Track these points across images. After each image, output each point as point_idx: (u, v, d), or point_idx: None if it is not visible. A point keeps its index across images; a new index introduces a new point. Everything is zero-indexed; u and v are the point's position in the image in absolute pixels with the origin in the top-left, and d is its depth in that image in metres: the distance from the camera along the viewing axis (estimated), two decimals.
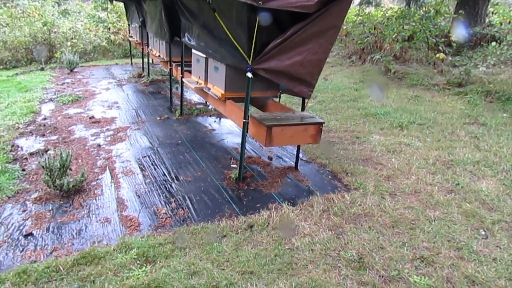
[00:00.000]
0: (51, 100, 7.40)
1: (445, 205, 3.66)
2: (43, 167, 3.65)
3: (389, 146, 5.06)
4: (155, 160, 4.59)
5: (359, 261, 2.86)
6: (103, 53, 12.79)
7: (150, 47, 8.25)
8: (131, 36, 10.99)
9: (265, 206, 3.58)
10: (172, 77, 6.97)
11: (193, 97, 7.75)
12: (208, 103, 7.12)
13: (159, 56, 7.35)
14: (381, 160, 4.64)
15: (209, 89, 4.63)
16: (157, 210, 3.51)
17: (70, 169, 3.89)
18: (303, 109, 4.17)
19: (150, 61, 9.19)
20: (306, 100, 4.15)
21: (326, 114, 6.57)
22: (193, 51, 5.16)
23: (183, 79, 5.31)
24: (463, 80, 7.96)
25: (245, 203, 3.66)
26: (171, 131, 5.60)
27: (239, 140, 5.09)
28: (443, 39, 9.95)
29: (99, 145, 5.07)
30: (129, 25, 11.40)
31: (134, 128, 5.75)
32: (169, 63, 6.62)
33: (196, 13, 4.70)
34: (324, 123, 3.88)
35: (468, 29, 10.18)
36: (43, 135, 5.45)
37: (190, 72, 5.85)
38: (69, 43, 12.03)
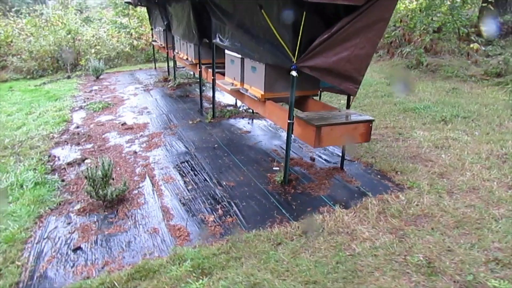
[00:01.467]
0: (81, 108, 7.41)
1: (509, 201, 3.41)
2: (86, 177, 3.58)
3: (435, 141, 4.81)
4: (194, 166, 4.47)
5: (429, 266, 2.66)
6: (127, 59, 12.84)
7: (176, 51, 8.18)
8: (155, 41, 10.98)
9: (316, 210, 3.41)
10: (202, 80, 6.86)
11: (222, 99, 7.63)
12: (238, 104, 6.99)
13: (187, 59, 7.26)
14: (430, 156, 4.40)
15: (246, 90, 4.49)
16: (205, 218, 3.39)
17: (113, 179, 3.81)
18: (348, 106, 3.98)
19: (176, 65, 9.12)
20: (351, 98, 3.95)
21: (361, 110, 6.34)
22: (226, 52, 5.03)
23: (216, 81, 5.19)
24: (502, 70, 7.59)
25: (294, 207, 3.50)
26: (205, 135, 5.49)
27: (276, 141, 4.94)
28: (473, 29, 9.55)
29: (135, 152, 4.99)
30: (152, 29, 11.39)
31: (168, 133, 5.66)
32: (198, 65, 6.52)
33: (231, 13, 4.56)
34: (374, 120, 3.67)
35: (497, 18, 9.75)
36: (78, 144, 5.41)
37: (221, 74, 5.74)
38: (93, 50, 12.13)
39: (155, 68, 11.78)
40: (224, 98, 7.53)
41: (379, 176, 4.01)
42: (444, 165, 4.18)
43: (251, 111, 6.56)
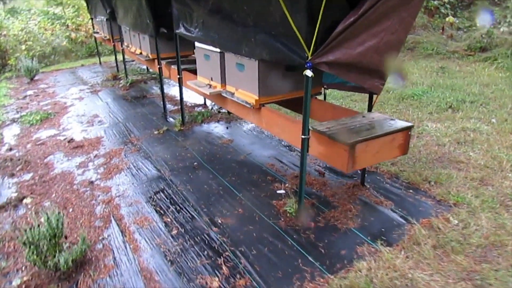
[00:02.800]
0: (14, 121, 6.02)
1: None
2: (24, 244, 2.47)
3: (453, 135, 4.11)
4: (173, 197, 3.45)
5: None
6: (65, 55, 11.20)
7: (125, 44, 6.91)
8: (97, 32, 9.51)
9: (353, 252, 2.56)
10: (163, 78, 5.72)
11: (186, 97, 6.52)
12: (208, 103, 5.94)
13: (141, 53, 6.06)
14: (457, 156, 3.69)
15: (232, 94, 3.49)
16: (206, 283, 2.42)
17: (65, 237, 2.72)
18: (370, 108, 3.12)
19: (125, 59, 7.82)
20: (374, 97, 3.10)
21: (351, 101, 5.55)
22: (197, 45, 3.98)
23: (187, 82, 4.13)
24: (486, 43, 7.10)
25: (323, 250, 2.63)
26: (178, 149, 4.44)
27: (269, 151, 4.03)
28: (442, 1, 9.06)
29: (91, 182, 3.86)
30: (92, 19, 9.88)
31: (130, 149, 4.55)
32: (157, 61, 5.37)
33: None
34: (413, 126, 2.85)
35: None
36: (13, 175, 4.18)
37: (190, 71, 4.69)
38: (23, 47, 10.40)
39: (100, 63, 10.32)
40: (189, 96, 6.43)
41: (411, 191, 3.23)
42: (479, 166, 3.47)
43: (225, 111, 5.56)
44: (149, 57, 5.71)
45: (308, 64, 2.51)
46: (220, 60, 3.59)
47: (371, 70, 2.68)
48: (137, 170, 4.01)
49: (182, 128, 5.03)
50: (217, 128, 5.02)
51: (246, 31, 3.05)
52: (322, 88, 3.60)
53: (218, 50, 3.57)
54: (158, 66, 5.41)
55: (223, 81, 3.68)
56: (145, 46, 5.75)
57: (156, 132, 4.98)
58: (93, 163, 4.28)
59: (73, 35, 11.59)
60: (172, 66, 5.06)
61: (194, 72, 4.74)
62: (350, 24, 2.39)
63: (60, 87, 8.09)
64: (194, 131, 4.95)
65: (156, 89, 7.26)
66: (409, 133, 2.76)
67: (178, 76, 4.80)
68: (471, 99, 5.02)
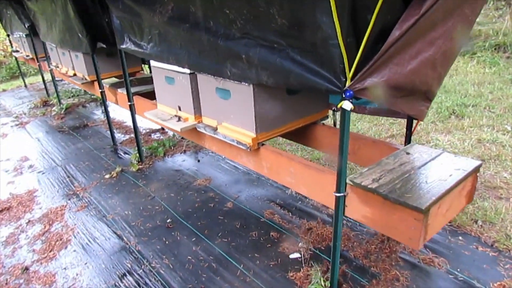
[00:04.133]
0: None
1: None
2: None
3: (473, 150, 3.49)
4: (147, 281, 2.46)
5: None
6: None
7: (53, 64, 5.66)
8: (16, 51, 8.02)
9: None
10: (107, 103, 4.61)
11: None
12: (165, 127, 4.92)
13: (75, 75, 4.89)
14: (491, 180, 3.06)
15: (213, 129, 2.56)
16: None
17: None
18: (409, 139, 2.34)
19: (55, 79, 6.52)
20: (414, 122, 2.33)
21: (357, 120, 4.79)
22: (154, 64, 2.99)
23: (146, 114, 3.12)
24: None
25: None
26: (141, 199, 3.41)
27: (261, 190, 3.15)
28: None
29: (26, 269, 2.76)
30: (8, 35, 8.35)
31: (76, 207, 3.45)
32: (98, 84, 4.26)
33: None
34: (482, 164, 2.10)
35: None
36: None
37: (144, 94, 3.68)
38: None
39: (26, 86, 8.79)
40: (141, 119, 5.35)
41: (461, 238, 2.51)
42: None
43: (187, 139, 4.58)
44: (86, 79, 4.57)
45: (347, 94, 1.65)
46: (191, 84, 2.64)
47: (421, 91, 1.91)
48: (89, 241, 2.95)
49: (140, 166, 3.99)
50: (186, 163, 4.03)
51: (232, 46, 2.13)
52: (330, 111, 2.79)
53: (187, 71, 2.61)
54: (100, 90, 4.30)
55: (197, 112, 2.73)
56: (80, 66, 4.60)
57: (107, 176, 3.90)
58: (26, 235, 3.14)
59: None
60: (119, 90, 3.99)
61: (148, 95, 3.74)
62: (407, 29, 1.58)
63: None
64: (157, 170, 3.93)
65: (99, 114, 6.07)
66: (477, 174, 2.00)
67: (129, 103, 3.74)
68: (472, 102, 4.45)
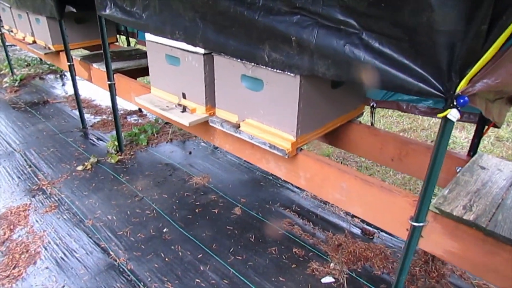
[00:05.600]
0: None
1: None
2: None
3: (494, 150, 3.22)
4: None
5: None
6: None
7: (6, 27, 4.76)
8: None
9: None
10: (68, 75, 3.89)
11: (101, 98, 4.75)
12: (144, 109, 4.29)
13: (34, 42, 4.10)
14: None
15: (234, 126, 2.05)
16: None
17: None
18: (476, 147, 1.98)
19: (5, 45, 5.57)
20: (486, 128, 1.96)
21: (383, 117, 4.39)
22: (150, 37, 2.40)
23: (138, 100, 2.53)
24: None
25: None
26: (126, 200, 2.85)
27: (273, 191, 2.69)
28: None
29: None
30: None
31: (43, 206, 2.83)
32: (66, 56, 3.55)
33: None
34: None
35: None
36: None
37: (125, 72, 3.08)
38: None
39: None
40: (102, 96, 4.67)
41: None
42: None
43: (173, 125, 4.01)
44: (49, 49, 3.81)
45: (461, 101, 1.22)
46: (205, 67, 2.10)
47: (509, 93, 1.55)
48: (65, 254, 2.38)
49: (120, 157, 3.38)
50: (175, 155, 3.48)
51: (276, 23, 1.63)
52: (367, 107, 2.36)
53: (199, 50, 2.06)
54: (69, 64, 3.59)
55: (210, 102, 2.20)
56: (42, 32, 3.83)
57: (80, 168, 3.27)
58: None
59: None
60: (94, 65, 3.32)
61: (130, 73, 3.13)
62: None
63: None
64: (141, 162, 3.35)
65: (59, 89, 5.27)
66: None
67: (109, 82, 3.10)
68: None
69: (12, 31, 4.56)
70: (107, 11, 2.69)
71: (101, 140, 3.78)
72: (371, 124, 2.38)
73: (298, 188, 2.93)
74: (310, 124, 1.90)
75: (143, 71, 3.37)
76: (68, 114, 4.43)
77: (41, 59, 6.31)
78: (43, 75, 5.77)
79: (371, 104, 2.34)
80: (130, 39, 4.30)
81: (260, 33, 1.72)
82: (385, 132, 2.23)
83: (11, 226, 2.66)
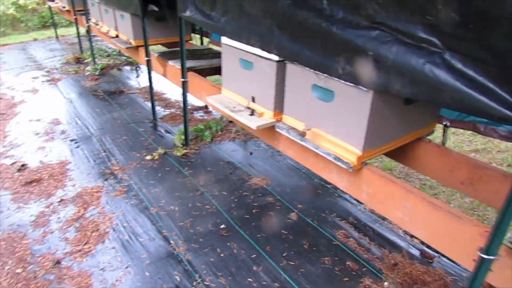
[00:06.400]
0: None
1: None
2: None
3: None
4: None
5: None
6: (13, 25, 9.07)
7: (93, 20, 5.17)
8: (52, 0, 7.53)
9: None
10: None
11: (174, 94, 4.99)
12: (209, 106, 4.45)
13: (117, 36, 4.41)
14: None
15: (300, 134, 2.08)
16: None
17: None
18: None
19: (90, 35, 6.05)
20: None
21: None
22: (226, 41, 2.49)
23: (208, 99, 2.65)
24: None
25: None
26: (189, 193, 3.00)
27: (329, 200, 2.67)
28: None
29: (57, 263, 2.39)
30: None
31: (114, 190, 3.06)
32: (145, 51, 3.79)
33: None
34: None
35: None
36: None
37: (198, 71, 3.21)
38: None
39: (57, 38, 8.35)
40: (172, 90, 4.91)
41: None
42: None
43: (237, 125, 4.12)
44: (130, 44, 4.09)
45: None
46: (277, 74, 2.15)
47: None
48: (130, 238, 2.56)
49: (186, 151, 3.55)
50: (237, 154, 3.58)
51: (353, 37, 1.63)
52: (440, 125, 2.27)
53: (273, 57, 2.11)
54: (146, 59, 3.83)
55: (278, 108, 2.25)
56: (125, 28, 4.12)
57: (148, 158, 3.48)
58: (57, 217, 2.77)
59: (21, 1, 9.40)
60: (170, 62, 3.51)
61: (201, 72, 3.27)
62: None
63: (7, 71, 6.22)
64: (204, 158, 3.50)
65: (134, 80, 5.63)
66: None
67: (182, 80, 3.27)
68: None
69: (98, 24, 4.95)
70: (188, 13, 2.84)
71: (168, 132, 3.99)
72: (442, 144, 2.29)
73: (356, 200, 2.89)
74: (378, 139, 1.88)
75: (214, 71, 3.51)
76: (141, 105, 4.72)
77: (119, 51, 6.76)
78: (120, 66, 6.19)
79: (444, 123, 2.25)
80: (204, 38, 4.48)
81: (336, 45, 1.73)
82: (457, 154, 2.13)
83: (85, 205, 2.91)
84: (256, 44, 2.21)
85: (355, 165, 1.82)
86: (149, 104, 4.63)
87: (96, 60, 6.13)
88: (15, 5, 9.24)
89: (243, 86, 2.46)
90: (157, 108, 4.56)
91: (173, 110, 4.55)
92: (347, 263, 2.30)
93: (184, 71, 3.23)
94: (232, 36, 2.41)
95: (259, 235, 2.52)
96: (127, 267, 2.33)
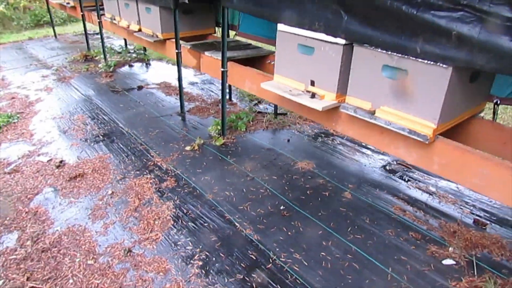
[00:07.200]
0: None
1: None
2: None
3: None
4: (284, 280, 2.18)
5: None
6: (4, 24, 8.86)
7: (108, 15, 5.15)
8: None
9: None
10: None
11: (193, 88, 5.05)
12: (238, 99, 4.53)
13: (140, 30, 4.43)
14: None
15: (370, 113, 2.21)
16: None
17: None
18: None
19: (102, 31, 6.01)
20: None
21: None
22: (283, 28, 2.58)
23: (264, 85, 2.73)
24: None
25: None
26: (240, 179, 3.10)
27: (375, 179, 2.81)
28: None
29: (129, 251, 2.45)
30: None
31: (163, 181, 3.12)
32: (176, 44, 3.84)
33: None
34: None
35: None
36: None
37: (237, 61, 3.30)
38: None
39: (55, 36, 8.22)
40: (190, 84, 4.97)
41: None
42: None
43: (267, 110, 4.23)
44: (157, 37, 4.12)
45: None
46: (342, 57, 2.26)
47: None
48: (194, 223, 2.64)
49: (225, 140, 3.63)
50: (273, 141, 3.68)
51: (435, 18, 1.76)
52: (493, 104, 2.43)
53: (340, 40, 2.22)
54: (176, 51, 3.88)
55: (341, 90, 2.37)
56: (151, 21, 4.14)
57: (188, 148, 3.55)
58: (114, 210, 2.82)
59: None
60: (206, 53, 3.57)
61: (241, 62, 3.35)
62: None
63: (11, 70, 6.12)
64: (244, 147, 3.58)
65: (149, 76, 5.64)
66: None
67: (222, 70, 3.35)
68: None
69: (114, 19, 4.93)
70: (235, 2, 2.91)
71: (200, 124, 4.05)
72: (493, 117, 2.45)
73: (401, 178, 3.04)
74: (449, 114, 2.02)
75: (247, 61, 3.57)
76: (163, 99, 4.75)
77: (125, 45, 6.73)
78: (131, 62, 6.17)
79: (495, 101, 2.41)
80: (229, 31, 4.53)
81: (416, 26, 1.85)
82: (510, 128, 2.30)
83: (139, 196, 2.96)
84: (320, 29, 2.31)
85: (431, 137, 1.95)
86: (171, 98, 4.69)
87: (109, 58, 6.09)
88: (4, 1, 9.01)
89: (300, 71, 2.56)
90: (175, 100, 4.60)
91: (197, 103, 4.61)
92: (410, 233, 2.45)
93: (224, 61, 3.30)
94: (290, 23, 2.50)
95: (319, 213, 2.64)
96: (200, 250, 2.41)
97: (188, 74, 5.70)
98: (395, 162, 3.29)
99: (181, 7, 3.93)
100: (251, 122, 3.97)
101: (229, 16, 4.32)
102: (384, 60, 2.07)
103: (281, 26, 2.59)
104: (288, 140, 3.64)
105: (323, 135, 3.80)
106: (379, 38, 2.03)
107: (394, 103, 2.11)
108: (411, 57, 1.94)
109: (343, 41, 2.23)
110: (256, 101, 4.59)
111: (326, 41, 2.31)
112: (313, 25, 2.35)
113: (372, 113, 2.20)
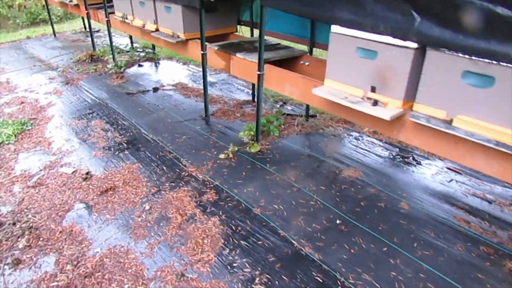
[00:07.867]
0: None
1: None
2: None
3: None
4: None
5: None
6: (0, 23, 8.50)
7: (119, 14, 4.89)
8: None
9: None
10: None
11: (211, 89, 4.84)
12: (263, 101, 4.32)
13: (157, 30, 4.20)
14: None
15: (447, 122, 2.04)
16: None
17: None
18: None
19: (110, 30, 5.74)
20: None
21: None
22: (337, 29, 2.40)
23: (315, 91, 2.54)
24: None
25: None
26: (285, 191, 2.94)
27: (426, 187, 2.66)
28: None
29: (182, 275, 2.27)
30: None
31: (203, 194, 2.94)
32: (201, 44, 3.62)
33: None
34: None
35: None
36: (17, 263, 2.44)
37: (272, 63, 3.12)
38: None
39: (54, 35, 7.89)
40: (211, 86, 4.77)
41: None
42: None
43: (295, 111, 4.05)
44: (178, 37, 3.90)
45: None
46: (413, 62, 2.09)
47: None
48: (247, 241, 2.46)
49: (259, 146, 3.45)
50: (311, 146, 3.50)
51: None
52: None
53: (410, 44, 2.05)
54: (202, 52, 3.66)
55: (408, 97, 2.19)
56: (172, 20, 3.91)
57: (222, 156, 3.36)
58: (155, 228, 2.63)
59: None
60: (238, 55, 3.37)
61: (272, 63, 3.16)
62: None
63: (14, 72, 5.83)
64: (281, 153, 3.40)
65: (161, 76, 5.41)
66: None
67: (259, 73, 3.15)
68: None
69: (127, 18, 4.68)
70: (277, 0, 2.71)
71: (228, 128, 3.86)
72: None
73: (455, 185, 2.90)
74: None
75: (278, 62, 3.36)
76: (182, 102, 4.54)
77: (131, 44, 6.47)
78: (140, 62, 5.92)
79: None
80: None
81: (510, 28, 1.68)
82: None
83: (180, 211, 2.77)
84: (386, 31, 2.13)
85: None
86: (191, 101, 4.49)
87: (117, 57, 5.83)
88: None
89: (360, 76, 2.38)
90: (201, 104, 4.40)
91: (219, 105, 4.41)
92: (481, 248, 2.31)
93: (261, 63, 3.10)
94: (348, 24, 2.32)
95: (380, 228, 2.48)
96: (260, 273, 2.24)
97: None
98: (444, 168, 3.15)
99: (204, 6, 3.71)
100: (283, 126, 3.78)
101: (253, 13, 4.11)
102: (465, 66, 1.91)
103: (335, 28, 2.40)
104: (326, 146, 3.46)
105: (360, 138, 3.64)
106: (460, 42, 1.86)
107: (475, 112, 1.95)
108: (501, 63, 1.77)
109: (414, 45, 2.05)
110: (282, 102, 4.40)
111: (393, 45, 2.14)
112: (377, 28, 2.16)
113: (448, 122, 2.04)
